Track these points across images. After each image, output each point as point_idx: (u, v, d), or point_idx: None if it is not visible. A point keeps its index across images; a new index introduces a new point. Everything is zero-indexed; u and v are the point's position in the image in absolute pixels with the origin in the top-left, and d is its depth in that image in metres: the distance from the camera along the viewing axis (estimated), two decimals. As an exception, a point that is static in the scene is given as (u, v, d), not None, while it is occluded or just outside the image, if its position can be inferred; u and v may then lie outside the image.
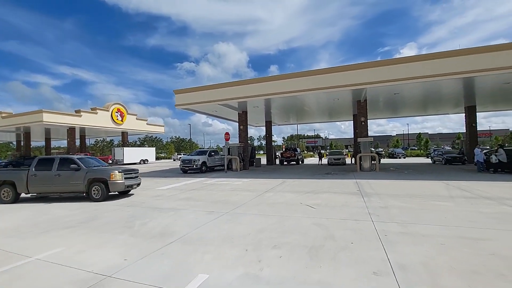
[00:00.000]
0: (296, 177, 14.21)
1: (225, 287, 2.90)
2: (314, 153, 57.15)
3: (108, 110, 34.19)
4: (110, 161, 34.36)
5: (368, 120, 18.13)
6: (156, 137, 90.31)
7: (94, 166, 9.41)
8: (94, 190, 8.61)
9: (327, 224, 5.20)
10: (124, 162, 34.23)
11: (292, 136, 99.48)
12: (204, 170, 19.66)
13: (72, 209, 7.49)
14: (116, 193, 9.41)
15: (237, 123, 23.17)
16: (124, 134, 39.56)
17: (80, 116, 29.95)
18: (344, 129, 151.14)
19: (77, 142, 39.81)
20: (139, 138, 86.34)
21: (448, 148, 38.58)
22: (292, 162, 27.78)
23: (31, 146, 41.30)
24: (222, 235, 4.72)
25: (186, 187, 11.61)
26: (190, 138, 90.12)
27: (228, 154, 20.75)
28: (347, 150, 53.64)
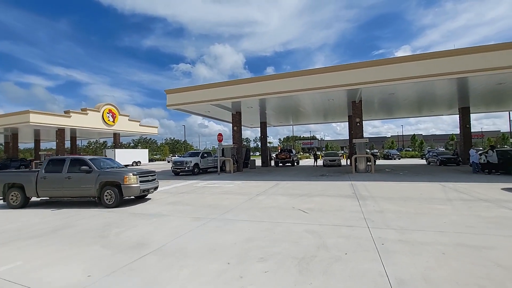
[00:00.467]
0: (290, 179, 13.86)
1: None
2: (309, 154, 56.98)
3: (99, 111, 33.43)
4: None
5: (363, 121, 17.90)
6: (150, 138, 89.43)
7: (108, 168, 8.61)
8: (106, 195, 7.77)
9: (320, 230, 4.84)
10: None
11: (288, 137, 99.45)
12: (197, 172, 19.19)
13: (47, 215, 7.01)
14: (133, 197, 8.68)
15: (239, 124, 22.75)
16: (116, 135, 38.77)
17: (70, 117, 29.17)
18: (340, 130, 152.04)
19: (68, 144, 38.93)
20: (133, 140, 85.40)
21: (441, 149, 38.73)
22: (287, 164, 27.45)
23: (21, 148, 40.26)
24: (206, 245, 4.32)
25: (175, 190, 11.16)
26: (185, 140, 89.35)
27: (222, 155, 20.33)
28: (342, 152, 53.58)
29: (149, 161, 46.05)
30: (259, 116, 25.72)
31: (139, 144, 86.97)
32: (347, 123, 27.04)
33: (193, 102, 18.91)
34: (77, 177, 7.98)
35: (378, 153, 41.09)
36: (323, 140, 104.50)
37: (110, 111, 34.96)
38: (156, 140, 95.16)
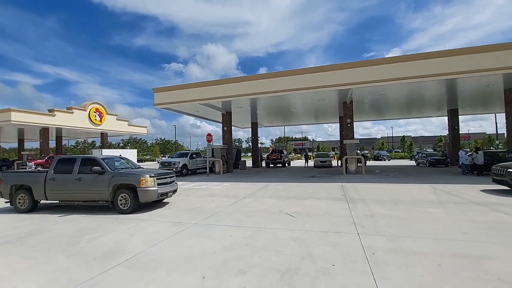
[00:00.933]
0: (280, 181, 13.55)
1: None
2: (301, 155, 56.97)
3: (85, 110, 32.38)
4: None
5: (354, 122, 17.79)
6: (140, 138, 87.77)
7: (123, 168, 7.88)
8: (120, 199, 6.96)
9: (306, 238, 4.52)
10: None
11: (280, 138, 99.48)
12: (185, 173, 18.69)
13: (21, 219, 6.48)
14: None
15: (229, 125, 22.33)
16: (103, 135, 37.72)
17: (54, 115, 28.11)
18: (331, 131, 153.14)
19: (53, 144, 37.63)
20: (122, 140, 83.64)
21: (430, 150, 39.28)
22: (278, 165, 27.19)
23: (6, 148, 38.62)
24: (182, 254, 3.93)
25: (160, 192, 10.66)
26: (176, 140, 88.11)
27: (212, 156, 19.89)
28: (333, 153, 53.77)
29: (138, 162, 45.06)
30: (250, 116, 25.39)
31: (129, 144, 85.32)
32: (338, 124, 27.00)
33: (181, 101, 18.42)
34: (88, 178, 7.20)
35: (369, 154, 41.40)
36: (315, 141, 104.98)
37: (97, 110, 33.94)
38: (146, 140, 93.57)
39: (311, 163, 27.97)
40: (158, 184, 7.24)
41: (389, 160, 38.79)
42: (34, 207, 7.63)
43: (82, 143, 78.15)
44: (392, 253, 3.70)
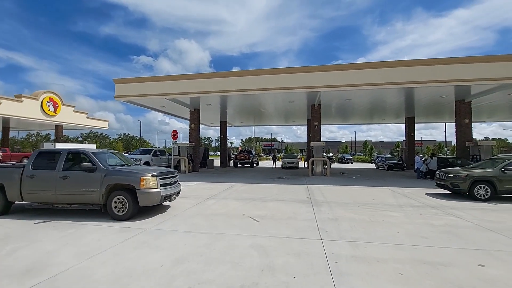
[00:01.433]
0: (246, 181, 13.20)
1: None
2: (270, 156, 57.41)
3: (37, 99, 28.80)
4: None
5: (321, 126, 18.13)
6: (102, 133, 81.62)
7: (118, 165, 6.62)
8: (115, 203, 5.81)
9: (268, 245, 4.19)
10: (55, 160, 29.33)
11: (250, 138, 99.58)
12: (146, 171, 17.44)
13: None
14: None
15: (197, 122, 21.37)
16: (58, 127, 34.05)
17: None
18: (300, 134, 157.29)
19: (-2, 135, 33.13)
20: (81, 134, 77.00)
21: (388, 155, 41.99)
22: (246, 165, 26.89)
23: None
24: (120, 270, 3.34)
25: (113, 193, 9.65)
26: (141, 136, 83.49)
27: (177, 154, 18.89)
28: (301, 154, 55.05)
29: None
30: (220, 114, 24.76)
31: (88, 139, 78.93)
32: (307, 126, 27.51)
33: (145, 94, 17.17)
34: (76, 176, 6.02)
35: (334, 157, 43.00)
36: (284, 142, 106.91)
37: (51, 99, 30.43)
38: (108, 135, 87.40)
39: (279, 164, 28.12)
40: (161, 185, 6.13)
41: (352, 163, 40.67)
42: (7, 210, 6.41)
43: (34, 136, 70.44)
44: (355, 261, 3.51)
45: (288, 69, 15.04)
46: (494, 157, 10.56)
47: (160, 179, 6.15)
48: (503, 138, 75.20)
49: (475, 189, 8.41)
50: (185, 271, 3.29)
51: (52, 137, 44.13)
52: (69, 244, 4.30)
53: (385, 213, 6.41)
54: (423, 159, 16.00)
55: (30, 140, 70.75)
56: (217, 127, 34.16)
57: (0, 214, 6.28)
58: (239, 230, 5.02)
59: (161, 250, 4.02)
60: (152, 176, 5.96)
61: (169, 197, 6.41)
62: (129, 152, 56.61)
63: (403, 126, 25.71)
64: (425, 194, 9.56)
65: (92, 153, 6.36)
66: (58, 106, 31.37)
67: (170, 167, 18.98)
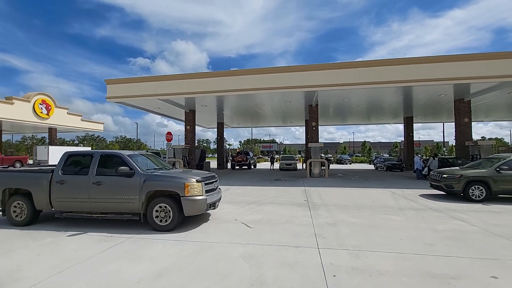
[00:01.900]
0: (243, 184, 12.85)
1: None
2: (268, 157, 57.06)
3: (29, 101, 28.26)
4: (30, 162, 28.59)
5: (319, 126, 17.82)
6: (98, 136, 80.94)
7: (155, 169, 6.09)
8: (156, 212, 5.21)
9: (260, 255, 3.84)
10: (49, 164, 28.80)
11: (249, 140, 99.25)
12: (140, 174, 17.02)
13: None
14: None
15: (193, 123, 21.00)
16: (52, 130, 33.51)
17: (-13, 106, 24.12)
18: (299, 135, 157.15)
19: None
20: (77, 137, 76.27)
21: (386, 155, 41.79)
22: (244, 167, 26.52)
23: None
24: (96, 284, 2.99)
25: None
26: (138, 138, 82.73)
27: (173, 157, 18.50)
28: (299, 155, 54.79)
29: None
30: (216, 116, 24.42)
31: (84, 142, 78.23)
32: (304, 127, 27.22)
33: (138, 95, 16.78)
34: (111, 182, 5.45)
35: (332, 158, 42.73)
36: (282, 143, 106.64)
37: (43, 101, 29.89)
38: (104, 138, 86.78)
39: (277, 165, 27.79)
40: (206, 191, 5.56)
41: (350, 163, 40.42)
42: (34, 219, 5.84)
43: (29, 139, 69.69)
44: (356, 274, 3.17)
45: (285, 68, 14.74)
46: (489, 156, 10.28)
47: (205, 184, 5.60)
48: (500, 137, 75.49)
49: (470, 189, 8.12)
50: (166, 286, 2.93)
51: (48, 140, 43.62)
52: (43, 254, 3.93)
53: (385, 217, 6.08)
54: (423, 159, 15.72)
55: (25, 143, 70.02)
56: (215, 129, 33.84)
57: (27, 224, 5.70)
58: (230, 237, 4.67)
59: (143, 261, 3.66)
60: (197, 181, 5.36)
61: (213, 205, 5.74)
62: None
63: (401, 126, 25.52)
64: (421, 195, 9.26)
65: (128, 155, 5.77)
66: (51, 109, 30.81)
67: (165, 169, 18.56)
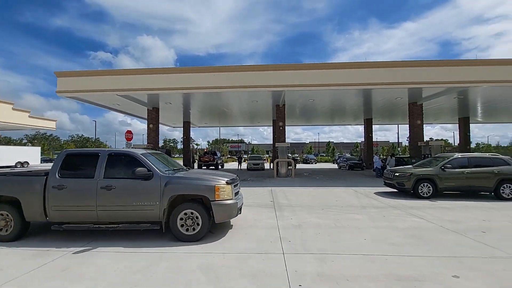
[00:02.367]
0: (208, 185, 12.32)
1: None
2: (236, 157, 56.63)
3: None
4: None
5: (286, 127, 17.94)
6: (51, 134, 73.09)
7: (175, 169, 5.35)
8: (181, 220, 4.54)
9: (220, 265, 3.49)
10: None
11: (217, 140, 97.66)
12: (95, 176, 15.52)
13: None
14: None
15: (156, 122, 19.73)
16: (-6, 128, 29.34)
17: None
18: (267, 135, 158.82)
19: None
20: (26, 135, 67.96)
21: (348, 155, 44.00)
22: (211, 167, 25.83)
23: None
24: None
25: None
26: (96, 137, 76.46)
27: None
28: (267, 155, 55.28)
29: (41, 162, 36.92)
30: (182, 114, 23.39)
31: (35, 141, 70.17)
32: (272, 127, 27.37)
33: (93, 90, 15.28)
34: (124, 186, 4.60)
35: (298, 158, 43.76)
36: (251, 143, 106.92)
37: (-22, 95, 26.07)
38: (58, 137, 78.91)
39: (244, 165, 27.56)
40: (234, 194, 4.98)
41: (315, 163, 41.76)
42: (22, 233, 4.76)
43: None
44: (322, 281, 2.98)
45: (253, 67, 14.53)
46: (435, 156, 11.05)
47: (234, 186, 5.02)
48: (445, 139, 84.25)
49: (419, 187, 8.65)
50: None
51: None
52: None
53: (349, 216, 6.12)
54: (382, 158, 16.64)
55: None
56: (181, 128, 32.52)
57: (14, 238, 4.65)
58: (188, 246, 4.24)
59: (83, 279, 3.08)
60: (227, 183, 4.79)
61: (240, 210, 5.16)
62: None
63: (361, 127, 26.95)
64: (381, 192, 9.67)
65: (141, 154, 4.98)
66: (-10, 103, 27.00)
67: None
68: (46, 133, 68.43)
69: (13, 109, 29.57)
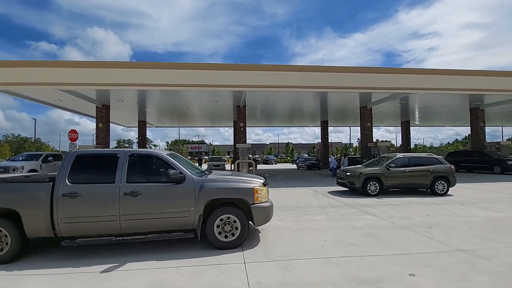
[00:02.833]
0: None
1: None
2: (195, 158, 54.97)
3: None
4: None
5: (247, 128, 17.87)
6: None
7: (203, 172, 4.95)
8: (218, 227, 4.15)
9: (175, 281, 3.12)
10: None
11: (176, 140, 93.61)
12: (29, 182, 13.52)
13: None
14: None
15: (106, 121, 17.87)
16: None
17: None
18: (228, 136, 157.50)
19: None
20: None
21: (305, 156, 45.89)
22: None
23: None
24: None
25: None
26: (37, 138, 66.71)
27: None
28: (228, 156, 54.71)
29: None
30: (137, 113, 21.76)
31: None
32: (233, 128, 27.13)
33: (28, 83, 13.26)
34: (153, 191, 4.05)
35: (259, 158, 44.21)
36: (212, 144, 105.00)
37: None
38: (-13, 137, 67.29)
39: (205, 166, 26.80)
40: None
41: (276, 164, 42.63)
42: (22, 251, 3.89)
43: None
44: (285, 291, 2.85)
45: (213, 66, 14.12)
46: (381, 156, 11.94)
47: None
48: (388, 140, 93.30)
49: (368, 185, 9.26)
50: None
51: None
52: None
53: (310, 217, 6.19)
54: (337, 158, 17.58)
55: None
56: (137, 128, 30.28)
57: (10, 260, 3.74)
58: (137, 260, 3.78)
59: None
60: (264, 185, 4.54)
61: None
62: (8, 158, 45.05)
63: (317, 129, 28.22)
64: (338, 191, 10.13)
65: (168, 155, 4.46)
66: None
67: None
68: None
69: None
